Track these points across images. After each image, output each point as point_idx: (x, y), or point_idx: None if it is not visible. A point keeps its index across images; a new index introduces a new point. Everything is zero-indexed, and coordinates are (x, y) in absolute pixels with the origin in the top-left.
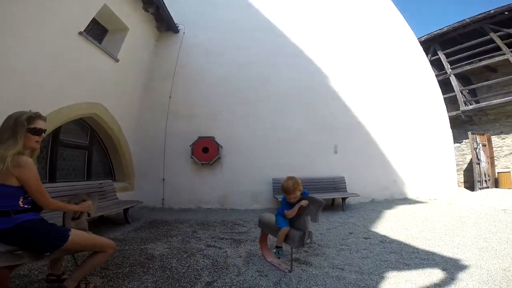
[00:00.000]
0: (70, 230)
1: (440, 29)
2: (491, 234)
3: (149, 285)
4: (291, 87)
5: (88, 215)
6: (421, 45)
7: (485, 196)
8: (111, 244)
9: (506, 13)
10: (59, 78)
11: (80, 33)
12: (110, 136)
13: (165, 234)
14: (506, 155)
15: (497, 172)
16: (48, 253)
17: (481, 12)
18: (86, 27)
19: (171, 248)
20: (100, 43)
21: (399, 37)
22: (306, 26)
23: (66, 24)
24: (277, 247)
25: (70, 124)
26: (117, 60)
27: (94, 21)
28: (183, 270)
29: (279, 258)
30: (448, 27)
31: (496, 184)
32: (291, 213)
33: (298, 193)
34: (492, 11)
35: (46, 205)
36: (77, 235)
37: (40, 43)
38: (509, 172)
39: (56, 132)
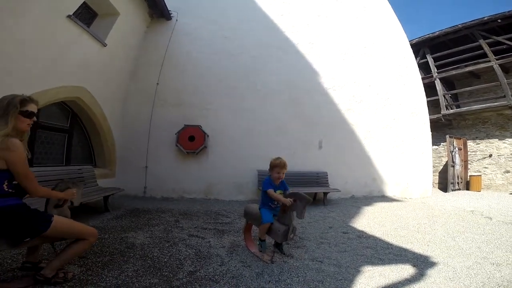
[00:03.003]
0: (53, 216)
1: (432, 33)
2: (459, 234)
3: (130, 274)
4: (280, 80)
5: (71, 203)
6: (411, 47)
7: (456, 197)
8: (93, 232)
9: (499, 20)
10: (43, 60)
11: (69, 16)
12: (92, 120)
13: (147, 223)
14: (479, 159)
15: (469, 175)
16: (28, 239)
17: (475, 19)
18: (76, 11)
19: (152, 237)
20: (88, 27)
21: (391, 38)
22: (300, 21)
23: (55, 7)
24: (260, 240)
25: (50, 107)
26: (105, 45)
27: (84, 5)
28: (165, 259)
29: (261, 251)
30: (440, 31)
31: (468, 186)
32: (274, 194)
33: (284, 172)
34: (485, 18)
35: (33, 191)
36: (60, 222)
37: (27, 24)
38: (480, 175)
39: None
